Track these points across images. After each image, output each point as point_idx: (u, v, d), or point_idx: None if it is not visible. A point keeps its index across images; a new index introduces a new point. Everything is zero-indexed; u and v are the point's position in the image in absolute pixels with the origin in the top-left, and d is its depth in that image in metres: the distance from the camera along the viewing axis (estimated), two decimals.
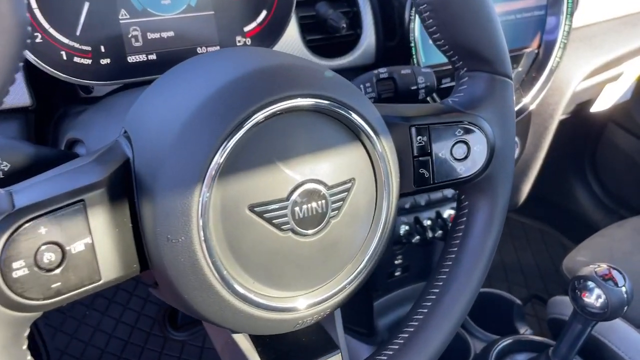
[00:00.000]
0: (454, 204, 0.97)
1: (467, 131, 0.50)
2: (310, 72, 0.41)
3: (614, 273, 0.73)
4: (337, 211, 0.42)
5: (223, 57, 0.42)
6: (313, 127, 0.40)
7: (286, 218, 0.39)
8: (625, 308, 0.73)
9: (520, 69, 0.86)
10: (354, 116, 0.41)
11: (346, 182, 0.42)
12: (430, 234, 0.92)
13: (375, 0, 0.73)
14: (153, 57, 0.54)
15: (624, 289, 0.72)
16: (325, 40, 0.71)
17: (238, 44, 0.58)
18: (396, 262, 1.07)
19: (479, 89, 0.51)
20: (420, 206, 0.92)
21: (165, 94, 0.41)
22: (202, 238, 0.37)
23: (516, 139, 0.92)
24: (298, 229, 0.40)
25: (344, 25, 0.68)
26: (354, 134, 0.42)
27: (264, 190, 0.38)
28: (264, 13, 0.59)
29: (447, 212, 0.96)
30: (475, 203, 0.53)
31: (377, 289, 1.09)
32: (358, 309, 1.05)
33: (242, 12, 0.58)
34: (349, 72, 0.75)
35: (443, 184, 0.50)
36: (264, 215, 0.39)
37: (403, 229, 0.93)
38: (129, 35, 0.53)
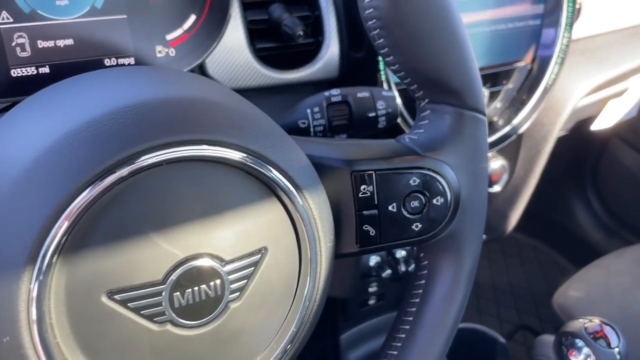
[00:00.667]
0: None
1: (425, 180, 0.39)
2: (207, 109, 0.30)
3: (607, 331, 0.63)
4: (239, 293, 0.32)
5: (95, 82, 0.32)
6: (205, 183, 0.30)
7: (161, 307, 0.29)
8: None
9: (510, 85, 0.75)
10: (265, 166, 0.31)
11: (253, 253, 0.32)
12: (403, 268, 0.82)
13: (341, 3, 0.62)
14: (45, 70, 0.44)
15: (617, 350, 0.62)
16: (280, 49, 0.61)
17: (159, 55, 0.48)
18: (370, 289, 0.97)
19: (442, 127, 0.40)
20: None
21: (11, 132, 0.31)
22: (38, 338, 0.27)
23: (504, 162, 0.82)
24: (179, 320, 0.30)
25: (301, 33, 0.58)
26: (268, 188, 0.32)
27: (130, 271, 0.28)
28: (192, 18, 0.49)
29: None
30: (436, 264, 0.43)
31: (348, 318, 0.99)
32: (322, 343, 0.95)
33: (164, 17, 0.48)
34: (309, 88, 0.64)
35: (394, 244, 0.40)
36: (129, 304, 0.29)
37: (374, 260, 0.83)
38: (13, 44, 0.43)
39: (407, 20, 0.37)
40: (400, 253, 0.84)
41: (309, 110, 0.49)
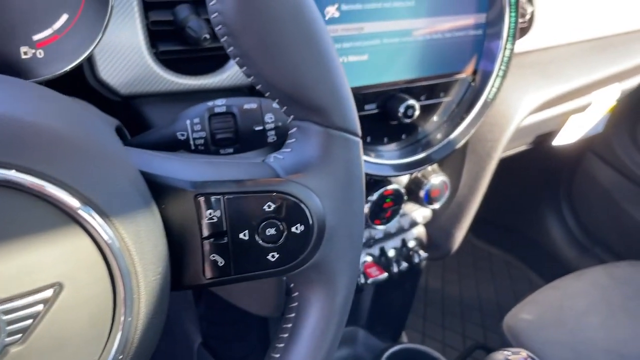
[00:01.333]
0: (372, 250, 0.83)
1: (283, 205, 0.35)
2: None
3: None
4: (21, 335, 0.28)
5: None
6: None
7: None
8: None
9: (449, 98, 0.71)
10: (57, 189, 0.27)
11: (41, 289, 0.28)
12: None
13: None
14: None
15: None
16: (186, 53, 0.57)
17: (24, 57, 0.44)
18: None
19: (309, 147, 0.36)
20: None
21: None
22: None
23: (445, 179, 0.78)
24: None
25: (207, 36, 0.54)
26: (67, 215, 0.28)
27: None
28: (64, 17, 0.45)
29: (362, 258, 0.82)
30: (305, 297, 0.39)
31: None
32: None
33: (30, 15, 0.43)
34: (223, 95, 0.60)
35: (248, 275, 0.36)
36: None
37: None
38: None
39: (256, 27, 0.33)
40: None
41: (188, 122, 0.45)
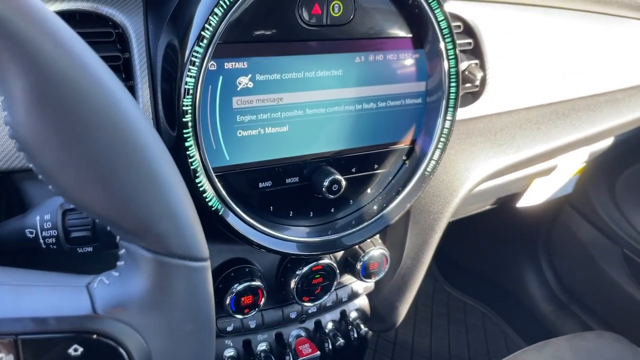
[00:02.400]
0: (306, 324, 0.77)
1: (93, 348, 0.30)
2: None
3: None
4: None
5: None
6: None
7: None
8: None
9: (384, 170, 0.66)
10: None
11: None
12: None
13: (159, 73, 0.53)
14: None
15: None
16: None
17: None
18: None
19: (136, 276, 0.31)
20: (251, 329, 0.71)
21: None
22: None
23: (386, 252, 0.72)
24: None
25: None
26: None
27: None
28: None
29: (295, 332, 0.76)
30: None
31: None
32: None
33: None
34: None
35: None
36: None
37: (229, 352, 0.73)
38: None
39: (53, 143, 0.28)
40: (262, 346, 0.74)
41: (37, 218, 0.40)
